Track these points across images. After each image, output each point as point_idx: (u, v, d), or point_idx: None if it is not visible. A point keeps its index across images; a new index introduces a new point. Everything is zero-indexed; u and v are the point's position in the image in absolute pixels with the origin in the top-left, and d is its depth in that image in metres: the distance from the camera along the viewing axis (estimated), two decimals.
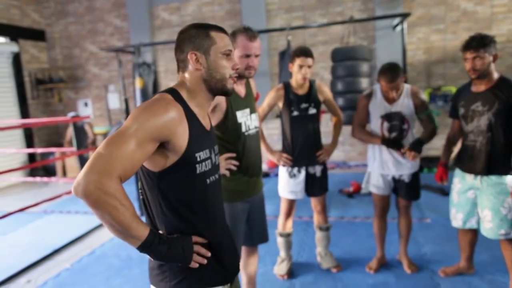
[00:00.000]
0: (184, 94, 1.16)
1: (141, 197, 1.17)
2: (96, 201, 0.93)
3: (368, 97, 2.56)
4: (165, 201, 1.12)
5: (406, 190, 2.56)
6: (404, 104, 2.46)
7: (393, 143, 2.47)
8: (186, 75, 1.18)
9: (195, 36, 1.16)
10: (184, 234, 1.13)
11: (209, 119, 1.27)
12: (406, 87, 2.50)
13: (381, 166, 2.56)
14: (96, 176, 0.92)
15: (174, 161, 1.09)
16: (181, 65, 1.19)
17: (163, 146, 1.06)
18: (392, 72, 2.35)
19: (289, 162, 2.61)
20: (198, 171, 1.13)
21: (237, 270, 1.31)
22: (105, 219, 0.96)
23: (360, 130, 2.59)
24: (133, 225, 0.98)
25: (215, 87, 1.18)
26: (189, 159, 1.10)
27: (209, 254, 1.15)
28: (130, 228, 0.97)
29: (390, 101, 2.48)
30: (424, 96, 2.51)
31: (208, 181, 1.18)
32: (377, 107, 2.51)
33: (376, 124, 2.54)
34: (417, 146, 2.42)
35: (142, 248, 1.02)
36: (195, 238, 1.14)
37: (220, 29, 1.20)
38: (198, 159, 1.13)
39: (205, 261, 1.14)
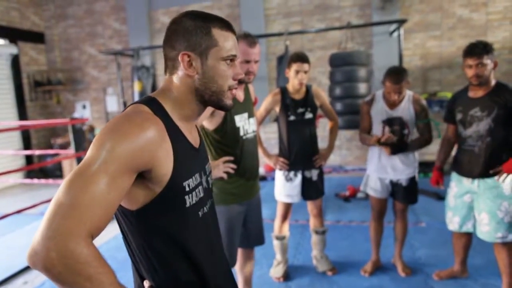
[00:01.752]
0: (167, 105, 0.91)
1: (122, 236, 0.94)
2: (62, 275, 0.67)
3: (370, 103, 2.60)
4: (150, 245, 0.88)
5: (403, 194, 2.60)
6: (405, 110, 2.50)
7: (383, 143, 2.44)
8: (174, 79, 0.93)
9: (191, 31, 0.89)
10: (176, 285, 0.92)
11: (198, 132, 1.05)
12: (409, 93, 2.54)
13: (380, 170, 2.60)
14: (58, 239, 0.66)
15: (157, 194, 0.84)
16: (169, 65, 0.93)
17: (141, 176, 0.82)
18: (398, 75, 2.40)
19: (285, 166, 2.64)
20: (188, 204, 0.90)
21: None
22: None
23: (363, 136, 2.62)
24: None
25: (209, 100, 0.94)
26: (175, 190, 0.87)
27: None
28: None
29: (392, 106, 2.52)
30: (425, 104, 2.54)
31: (200, 213, 0.95)
32: (379, 112, 2.55)
33: (377, 129, 2.58)
34: (397, 146, 2.45)
35: None
36: None
37: (225, 25, 0.93)
38: (187, 188, 0.89)
39: None
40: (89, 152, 0.77)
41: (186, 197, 0.90)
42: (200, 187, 0.95)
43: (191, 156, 0.94)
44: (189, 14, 0.92)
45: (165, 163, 0.84)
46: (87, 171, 0.73)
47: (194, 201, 0.92)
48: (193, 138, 0.98)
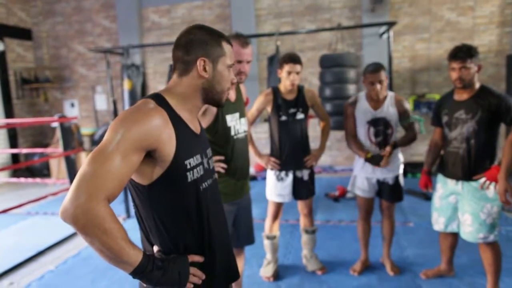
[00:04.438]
0: (171, 100, 1.09)
1: (134, 209, 1.11)
2: (85, 227, 0.88)
3: (353, 105, 2.64)
4: (159, 215, 1.06)
5: (390, 192, 2.63)
6: (388, 111, 2.54)
7: (375, 160, 2.55)
8: (184, 79, 1.11)
9: (207, 41, 1.10)
10: (179, 249, 1.08)
11: (198, 123, 1.22)
12: (390, 94, 2.58)
13: (367, 170, 2.63)
14: (83, 200, 0.87)
15: (163, 171, 1.03)
16: (182, 67, 1.11)
17: (149, 156, 1.00)
18: (375, 65, 2.48)
19: (276, 166, 2.65)
20: (189, 179, 1.07)
21: (232, 279, 1.25)
22: (95, 245, 0.91)
23: (352, 141, 2.65)
24: (125, 251, 0.92)
25: (212, 98, 1.15)
26: (178, 167, 1.04)
27: (204, 277, 1.10)
28: (121, 253, 0.92)
29: (375, 106, 2.56)
30: (408, 104, 2.59)
31: (201, 188, 1.12)
32: (363, 113, 2.58)
33: (362, 130, 2.61)
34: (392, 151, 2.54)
35: (135, 274, 0.97)
36: (192, 258, 1.09)
37: (229, 41, 1.17)
38: (188, 166, 1.07)
39: (200, 282, 1.09)
40: (106, 136, 0.96)
41: (188, 173, 1.07)
42: (200, 166, 1.12)
43: (192, 140, 1.11)
44: (202, 27, 1.14)
45: (168, 145, 1.01)
46: (105, 150, 0.93)
47: (195, 177, 1.09)
48: (195, 126, 1.15)
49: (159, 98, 1.07)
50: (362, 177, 2.66)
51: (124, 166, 0.93)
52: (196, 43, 1.10)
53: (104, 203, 0.90)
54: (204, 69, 1.10)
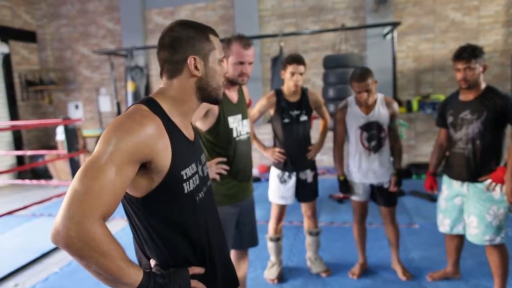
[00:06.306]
0: (164, 104, 1.01)
1: (128, 221, 1.05)
2: (81, 250, 0.80)
3: (344, 110, 2.59)
4: (154, 228, 1.00)
5: (384, 197, 2.60)
6: (380, 113, 2.50)
7: (344, 186, 2.64)
8: (175, 81, 1.04)
9: (194, 37, 1.02)
10: (177, 262, 1.03)
11: (192, 127, 1.17)
12: (380, 96, 2.55)
13: (361, 175, 2.59)
14: (76, 221, 0.79)
15: (158, 183, 0.96)
16: (171, 68, 1.04)
17: (144, 167, 0.93)
18: (362, 73, 2.41)
19: (282, 157, 2.62)
20: (186, 191, 1.01)
21: (232, 287, 1.23)
22: (91, 268, 0.84)
23: (337, 152, 2.66)
24: (124, 271, 0.86)
25: (209, 96, 1.08)
26: (174, 178, 0.98)
27: None
28: (120, 274, 0.85)
29: (367, 110, 2.52)
30: (397, 106, 2.56)
31: (198, 198, 1.06)
32: (354, 118, 2.54)
33: (355, 135, 2.56)
34: (400, 181, 2.57)
35: None
36: (192, 270, 1.03)
37: (215, 32, 1.09)
38: (185, 177, 1.01)
39: None
40: (97, 147, 0.88)
41: (184, 184, 1.01)
42: (196, 175, 1.07)
43: (187, 148, 1.05)
44: (185, 23, 1.05)
45: (164, 155, 0.95)
46: (96, 163, 0.85)
47: (191, 188, 1.03)
48: (189, 133, 1.09)
49: (152, 103, 1.00)
50: (356, 181, 2.63)
51: (118, 180, 0.86)
52: (183, 40, 1.01)
53: (99, 222, 0.82)
54: (196, 68, 1.02)
